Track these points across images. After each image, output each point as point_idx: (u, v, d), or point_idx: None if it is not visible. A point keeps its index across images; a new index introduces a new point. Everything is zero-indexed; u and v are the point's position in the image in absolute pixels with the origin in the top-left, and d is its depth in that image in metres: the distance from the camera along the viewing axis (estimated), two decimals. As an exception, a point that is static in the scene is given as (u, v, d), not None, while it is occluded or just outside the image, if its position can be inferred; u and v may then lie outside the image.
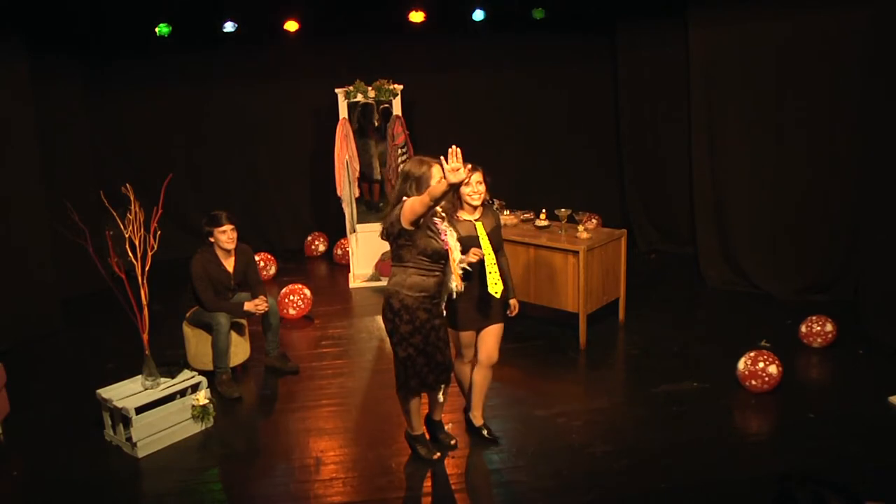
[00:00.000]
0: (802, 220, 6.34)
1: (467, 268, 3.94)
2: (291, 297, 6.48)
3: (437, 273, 3.82)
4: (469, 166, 4.00)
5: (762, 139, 6.45)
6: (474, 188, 4.05)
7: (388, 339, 4.03)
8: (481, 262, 4.01)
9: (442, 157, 3.44)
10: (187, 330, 5.32)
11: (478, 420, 4.41)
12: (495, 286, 4.03)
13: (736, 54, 6.50)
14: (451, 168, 3.36)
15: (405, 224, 3.69)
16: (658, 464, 4.08)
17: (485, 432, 4.38)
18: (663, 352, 5.53)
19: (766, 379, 4.72)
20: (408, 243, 3.74)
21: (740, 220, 6.74)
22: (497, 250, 4.19)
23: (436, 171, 3.73)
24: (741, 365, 4.81)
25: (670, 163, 7.74)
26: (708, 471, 4.01)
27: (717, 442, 4.28)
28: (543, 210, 6.03)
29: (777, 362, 4.76)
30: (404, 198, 3.76)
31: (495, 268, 4.06)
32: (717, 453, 4.16)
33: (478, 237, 4.07)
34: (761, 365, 4.74)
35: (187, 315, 5.32)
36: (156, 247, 4.49)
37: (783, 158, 6.35)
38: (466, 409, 4.49)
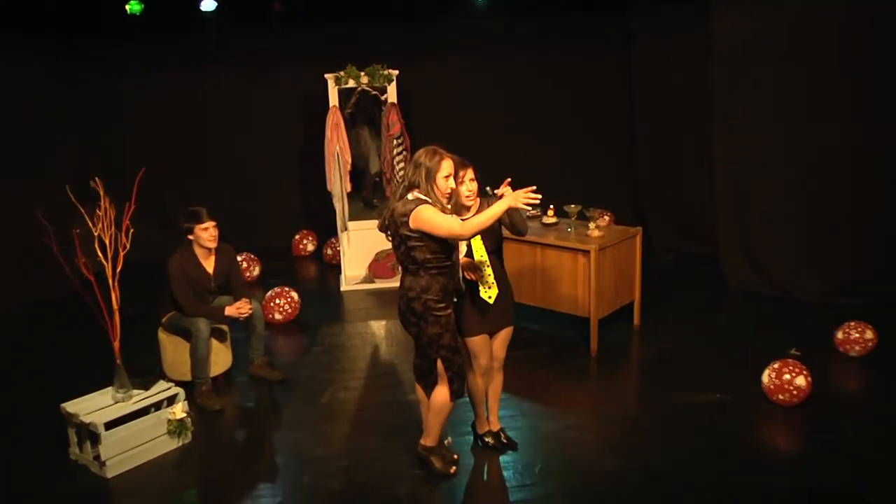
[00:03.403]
0: (835, 216, 6.30)
1: (469, 277, 3.98)
2: (277, 301, 6.45)
3: (451, 265, 3.85)
4: (457, 158, 3.94)
5: (790, 129, 6.40)
6: (468, 186, 3.97)
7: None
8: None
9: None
10: (163, 336, 5.30)
11: (495, 425, 4.44)
12: (488, 291, 4.01)
13: (763, 38, 6.42)
14: (525, 197, 3.59)
15: (413, 226, 3.71)
16: (676, 481, 4.06)
17: (502, 437, 4.42)
18: (682, 360, 5.52)
19: (794, 392, 4.65)
20: (420, 244, 3.75)
21: (765, 216, 6.70)
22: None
23: (445, 164, 3.77)
24: (765, 378, 4.75)
25: (689, 156, 7.73)
26: (730, 491, 3.98)
27: (741, 459, 4.24)
28: (551, 206, 5.99)
29: (805, 373, 4.69)
30: (416, 191, 3.77)
31: (489, 270, 4.02)
32: (741, 471, 4.13)
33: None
34: (787, 377, 4.67)
35: (163, 320, 5.29)
36: (128, 246, 4.45)
37: (813, 149, 6.30)
38: (473, 425, 4.48)
